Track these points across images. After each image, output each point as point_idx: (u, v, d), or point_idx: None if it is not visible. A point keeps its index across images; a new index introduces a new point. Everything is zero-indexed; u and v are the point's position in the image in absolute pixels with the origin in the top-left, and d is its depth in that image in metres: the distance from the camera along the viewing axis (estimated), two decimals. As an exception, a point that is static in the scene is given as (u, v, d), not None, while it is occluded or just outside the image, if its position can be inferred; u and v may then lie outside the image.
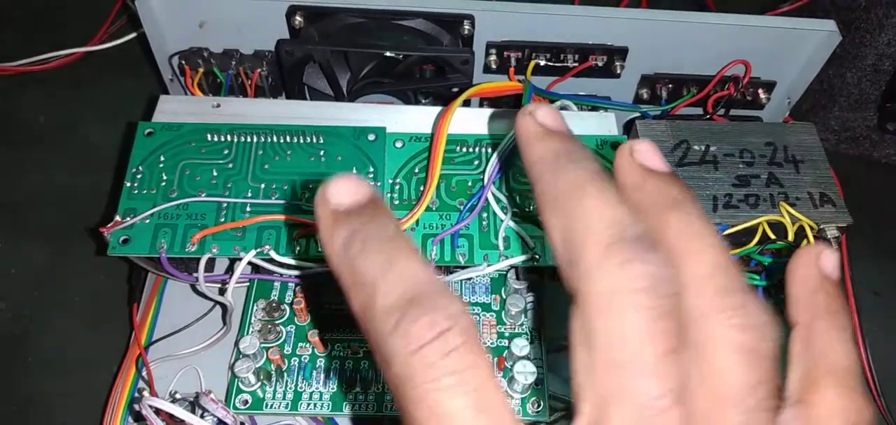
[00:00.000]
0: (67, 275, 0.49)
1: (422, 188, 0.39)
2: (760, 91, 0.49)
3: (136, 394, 0.39)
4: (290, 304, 0.41)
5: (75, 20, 0.63)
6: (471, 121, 0.43)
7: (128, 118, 0.56)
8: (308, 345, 0.40)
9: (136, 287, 0.43)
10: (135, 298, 0.42)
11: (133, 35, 0.61)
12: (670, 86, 0.49)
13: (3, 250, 0.50)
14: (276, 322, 0.41)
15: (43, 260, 0.49)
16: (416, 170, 0.40)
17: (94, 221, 0.50)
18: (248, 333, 0.40)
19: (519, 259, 0.37)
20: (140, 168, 0.39)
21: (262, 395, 0.38)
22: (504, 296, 0.42)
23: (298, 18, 0.44)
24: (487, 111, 0.44)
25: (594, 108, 0.48)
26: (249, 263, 0.37)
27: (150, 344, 0.41)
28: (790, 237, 0.39)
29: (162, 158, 0.40)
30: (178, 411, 0.33)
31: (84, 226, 0.50)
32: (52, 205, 0.52)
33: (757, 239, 0.39)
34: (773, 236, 0.39)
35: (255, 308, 0.41)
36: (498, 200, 0.38)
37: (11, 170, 0.53)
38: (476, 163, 0.41)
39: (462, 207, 0.39)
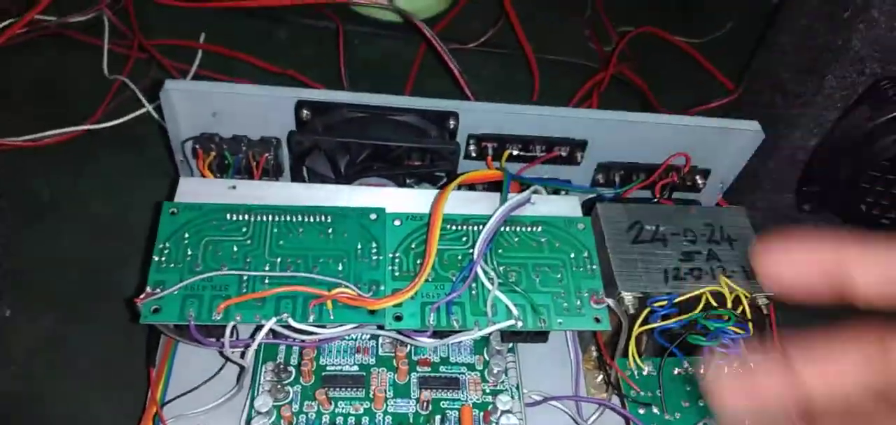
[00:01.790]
0: (75, 341, 0.52)
1: (418, 261, 0.45)
2: (698, 177, 0.57)
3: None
4: (297, 366, 0.46)
5: (75, 98, 0.67)
6: (457, 202, 0.49)
7: (128, 191, 0.61)
8: (314, 403, 0.44)
9: (153, 350, 0.46)
10: (151, 362, 0.46)
11: (131, 115, 0.66)
12: (622, 172, 0.57)
13: (12, 316, 0.53)
14: (284, 383, 0.45)
15: (51, 326, 0.53)
16: (413, 245, 0.46)
17: (100, 289, 0.54)
18: (259, 393, 0.44)
19: (505, 324, 0.43)
20: (166, 244, 0.44)
21: (274, 449, 0.42)
22: (487, 357, 0.48)
23: (306, 112, 0.49)
24: (471, 194, 0.51)
25: (556, 191, 0.55)
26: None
27: (165, 404, 0.45)
28: (729, 305, 0.46)
29: (186, 235, 0.44)
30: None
31: (91, 293, 0.54)
32: (59, 273, 0.55)
33: (701, 306, 0.46)
34: (715, 304, 0.46)
35: (263, 370, 0.46)
36: (486, 273, 0.44)
37: (19, 239, 0.56)
38: (464, 239, 0.47)
39: (454, 278, 0.45)
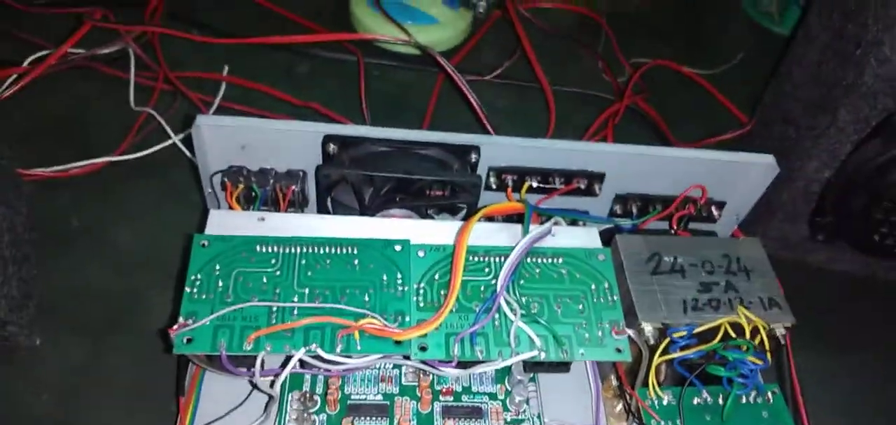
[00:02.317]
0: (104, 370, 0.53)
1: (442, 292, 0.46)
2: (713, 208, 0.58)
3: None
4: (322, 395, 0.47)
5: (102, 130, 0.69)
6: (479, 234, 0.50)
7: (154, 222, 0.62)
8: (341, 432, 0.45)
9: (182, 381, 0.47)
10: (181, 392, 0.47)
11: (157, 147, 0.67)
12: (639, 203, 0.58)
13: (42, 346, 0.54)
14: (310, 411, 0.46)
15: (80, 355, 0.54)
16: (437, 277, 0.47)
17: (128, 319, 0.55)
18: (285, 422, 0.45)
19: (528, 355, 0.44)
20: (198, 276, 0.45)
21: (301, 478, 0.43)
22: (508, 387, 0.48)
23: (332, 146, 0.51)
24: (493, 225, 0.52)
25: (574, 222, 0.56)
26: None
27: (194, 432, 0.46)
28: (747, 335, 0.47)
29: (217, 267, 0.45)
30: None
31: (119, 323, 0.55)
32: (88, 303, 0.57)
33: (719, 336, 0.47)
34: (733, 334, 0.47)
35: (290, 399, 0.47)
36: (509, 304, 0.45)
37: (48, 269, 0.58)
38: (486, 270, 0.48)
39: (477, 309, 0.46)
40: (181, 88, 0.72)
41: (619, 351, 0.45)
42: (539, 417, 0.48)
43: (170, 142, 0.66)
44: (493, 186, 0.55)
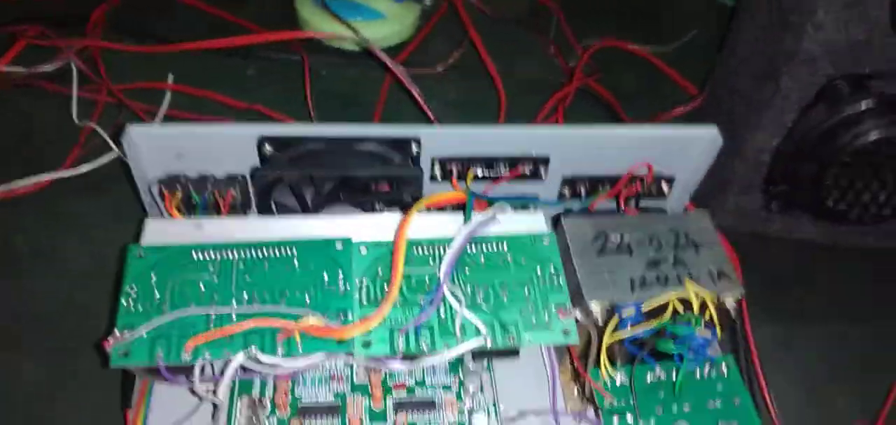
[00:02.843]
0: (59, 392, 0.52)
1: (386, 286, 0.46)
2: (663, 184, 0.58)
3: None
4: (272, 399, 0.46)
5: (46, 147, 0.68)
6: (423, 225, 0.49)
7: (102, 237, 0.61)
8: (290, 435, 0.45)
9: (127, 393, 0.47)
10: (126, 404, 0.46)
11: (102, 160, 0.66)
12: (588, 184, 0.57)
13: (-8, 370, 0.53)
14: (260, 416, 0.45)
15: (33, 378, 0.53)
16: (380, 272, 0.47)
17: (79, 338, 0.54)
18: (234, 429, 0.44)
19: (474, 343, 0.43)
20: (133, 287, 0.44)
21: (250, 485, 0.43)
22: (462, 377, 0.48)
23: (268, 147, 0.50)
24: (437, 216, 0.51)
25: (524, 206, 0.56)
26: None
27: (143, 446, 0.45)
28: (696, 310, 0.47)
29: (153, 277, 0.44)
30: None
31: (71, 342, 0.54)
32: (38, 324, 0.55)
33: (669, 312, 0.47)
34: (681, 309, 0.47)
35: (239, 404, 0.46)
36: (453, 294, 0.45)
37: (-3, 292, 0.57)
38: (430, 261, 0.47)
39: (422, 302, 0.45)
40: (125, 101, 0.71)
41: (566, 333, 0.45)
42: (495, 405, 0.47)
43: (114, 154, 0.65)
44: (438, 177, 0.54)
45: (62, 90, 0.72)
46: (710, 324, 0.47)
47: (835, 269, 0.69)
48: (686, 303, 0.47)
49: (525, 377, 0.51)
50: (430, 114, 0.67)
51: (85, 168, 0.65)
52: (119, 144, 0.63)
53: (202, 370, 0.42)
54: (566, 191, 0.58)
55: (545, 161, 0.55)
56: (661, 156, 0.55)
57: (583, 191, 0.58)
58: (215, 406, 0.45)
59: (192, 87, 0.74)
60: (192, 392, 0.43)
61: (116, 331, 0.42)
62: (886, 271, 0.69)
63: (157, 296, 0.44)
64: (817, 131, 0.58)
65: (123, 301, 0.43)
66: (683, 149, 0.55)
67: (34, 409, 0.51)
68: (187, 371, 0.42)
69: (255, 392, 0.47)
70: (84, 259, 0.60)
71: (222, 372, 0.43)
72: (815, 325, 0.64)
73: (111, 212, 0.63)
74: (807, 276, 0.68)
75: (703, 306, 0.47)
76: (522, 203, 0.56)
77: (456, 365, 0.49)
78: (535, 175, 0.55)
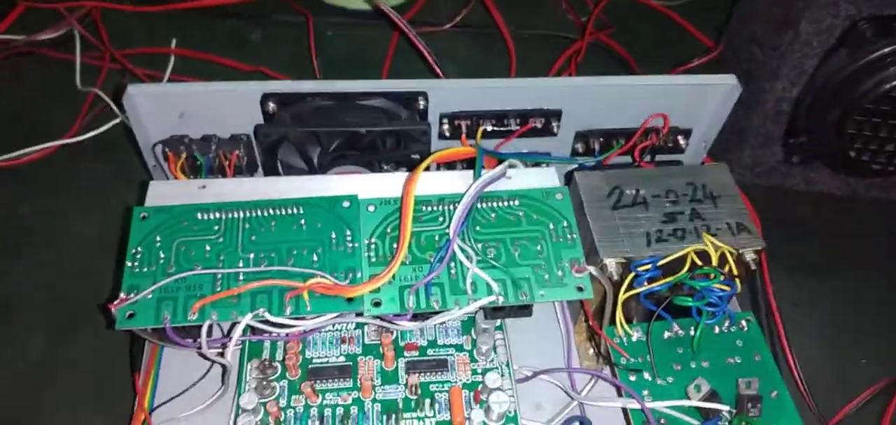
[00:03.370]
0: (66, 358, 0.52)
1: (395, 245, 0.45)
2: (680, 138, 0.56)
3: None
4: (282, 361, 0.45)
5: (51, 115, 0.67)
6: (432, 183, 0.48)
7: (108, 203, 0.60)
8: (301, 397, 0.44)
9: (137, 356, 0.46)
10: (136, 368, 0.46)
11: (107, 126, 0.65)
12: (601, 139, 0.56)
13: (2, 338, 0.52)
14: (270, 379, 0.45)
15: (41, 345, 0.52)
16: (389, 230, 0.46)
17: (87, 303, 0.54)
18: (245, 391, 0.44)
19: (485, 300, 0.42)
20: (138, 249, 0.43)
21: (261, 447, 0.42)
22: (474, 336, 0.47)
23: (271, 104, 0.49)
24: (446, 173, 0.50)
25: (536, 164, 0.54)
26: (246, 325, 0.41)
27: (153, 409, 0.45)
28: (714, 262, 0.46)
29: (158, 238, 0.44)
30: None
31: (79, 307, 0.54)
32: (46, 290, 0.55)
33: (687, 266, 0.46)
34: (700, 262, 0.46)
35: (249, 367, 0.45)
36: (463, 251, 0.44)
37: (5, 262, 0.56)
38: (440, 219, 0.46)
39: (432, 260, 0.44)
40: (128, 65, 0.70)
41: (580, 289, 0.44)
42: (508, 365, 0.46)
43: (118, 120, 0.64)
44: (447, 134, 0.53)
45: (65, 57, 0.71)
46: (729, 278, 0.46)
47: (855, 223, 0.67)
48: (704, 257, 0.46)
49: (539, 337, 0.50)
50: (438, 70, 0.66)
51: (90, 134, 0.65)
52: (122, 108, 0.63)
53: (210, 331, 0.41)
54: (579, 147, 0.57)
55: (557, 114, 0.53)
56: (677, 107, 0.54)
57: (596, 146, 0.56)
58: (225, 369, 0.45)
59: (196, 51, 0.72)
60: (200, 354, 0.42)
61: (122, 293, 0.41)
62: (909, 225, 0.67)
63: (163, 257, 0.43)
64: (839, 77, 0.56)
65: (128, 263, 0.43)
66: (700, 99, 0.54)
67: (40, 376, 0.51)
68: (194, 333, 0.42)
69: (266, 355, 0.46)
70: (90, 225, 0.60)
71: (230, 334, 0.42)
72: (835, 280, 0.62)
73: (116, 178, 0.63)
74: (827, 230, 0.66)
75: (722, 260, 0.46)
76: (534, 161, 0.54)
77: (468, 325, 0.48)
78: (547, 130, 0.54)
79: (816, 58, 0.57)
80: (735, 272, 0.46)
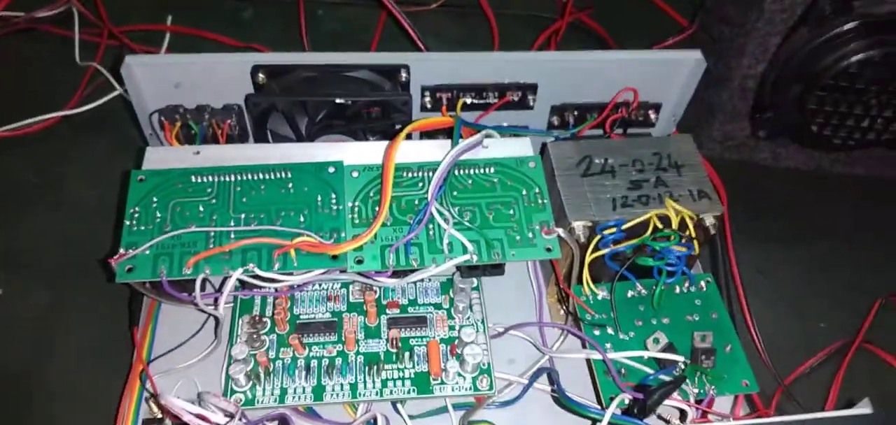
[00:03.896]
0: (67, 314, 0.55)
1: (377, 208, 0.48)
2: (650, 112, 0.59)
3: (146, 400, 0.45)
4: (271, 317, 0.49)
5: (52, 88, 0.70)
6: (413, 151, 0.51)
7: (107, 172, 0.63)
8: (289, 349, 0.47)
9: (135, 312, 0.49)
10: (134, 322, 0.49)
11: (105, 98, 0.68)
12: (576, 113, 0.59)
13: (6, 294, 0.55)
14: (260, 332, 0.48)
15: (43, 301, 0.55)
16: (372, 195, 0.49)
17: (87, 264, 0.57)
18: (236, 343, 0.47)
19: (461, 259, 0.45)
20: (136, 209, 0.46)
21: (252, 394, 0.45)
22: (452, 296, 0.50)
23: (261, 75, 0.52)
24: (426, 142, 0.53)
25: (515, 135, 0.57)
26: (238, 280, 0.44)
27: (150, 361, 0.48)
28: (674, 225, 0.49)
29: (154, 199, 0.47)
30: (195, 408, 0.39)
31: (79, 268, 0.57)
32: (47, 252, 0.58)
33: (650, 230, 0.49)
34: (661, 226, 0.49)
35: (240, 322, 0.48)
36: (441, 213, 0.47)
37: (7, 224, 0.59)
38: (420, 184, 0.50)
39: (411, 221, 0.47)
40: (125, 41, 0.72)
41: (549, 249, 0.47)
42: (483, 321, 0.49)
43: (116, 93, 0.67)
44: (429, 106, 0.56)
45: (64, 33, 0.74)
46: (687, 241, 0.49)
47: (821, 197, 0.70)
48: (666, 221, 0.49)
49: (514, 297, 0.54)
50: (421, 45, 0.69)
51: (89, 106, 0.67)
52: (120, 81, 0.66)
53: (203, 286, 0.45)
54: (555, 121, 0.59)
55: (533, 89, 0.56)
56: (646, 81, 0.57)
57: (571, 120, 0.59)
58: (217, 321, 0.48)
59: (191, 28, 0.75)
60: (195, 306, 0.45)
61: (121, 249, 0.44)
62: (872, 198, 0.70)
63: (159, 216, 0.46)
64: (801, 54, 0.59)
65: (127, 221, 0.46)
66: (668, 74, 0.57)
67: (43, 331, 0.54)
68: (189, 287, 0.45)
69: (256, 310, 0.49)
70: (89, 192, 0.63)
71: (222, 288, 0.45)
72: (798, 250, 0.65)
73: (115, 148, 0.66)
74: (792, 204, 0.70)
75: (683, 224, 0.49)
76: (512, 133, 0.57)
77: (447, 285, 0.51)
78: (524, 103, 0.57)
79: (780, 35, 0.60)
80: (693, 235, 0.49)
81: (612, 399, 0.45)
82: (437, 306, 0.50)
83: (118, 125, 0.67)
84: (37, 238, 0.59)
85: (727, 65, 0.64)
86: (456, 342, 0.48)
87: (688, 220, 0.49)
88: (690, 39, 0.73)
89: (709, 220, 0.50)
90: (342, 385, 0.46)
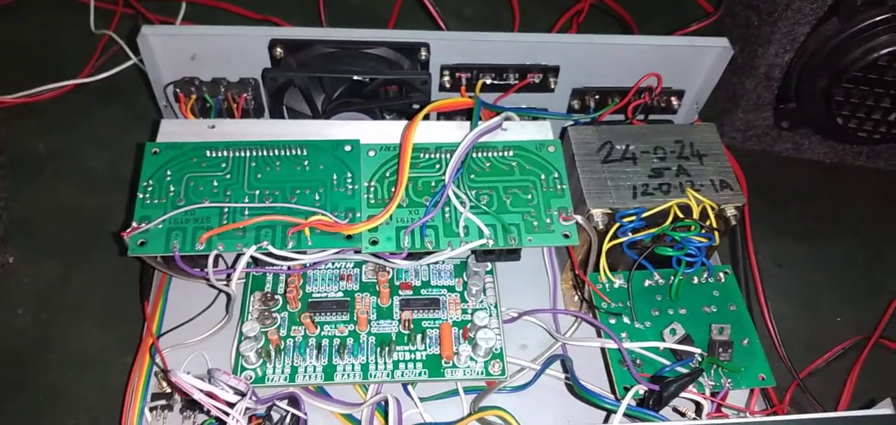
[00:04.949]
0: (77, 284, 0.55)
1: (393, 189, 0.47)
2: (673, 98, 0.58)
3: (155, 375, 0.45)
4: (283, 294, 0.48)
5: (65, 56, 0.69)
6: (431, 131, 0.50)
7: (120, 142, 0.63)
8: (301, 327, 0.47)
9: (146, 285, 0.49)
10: (145, 296, 0.49)
11: (119, 67, 0.67)
12: (597, 97, 0.58)
13: (15, 263, 0.55)
14: (272, 310, 0.47)
15: (53, 271, 0.55)
16: (388, 175, 0.48)
17: (98, 234, 0.57)
18: (248, 319, 0.46)
19: (476, 243, 0.45)
20: (150, 182, 0.46)
21: (262, 372, 0.45)
22: (465, 279, 0.50)
23: (279, 49, 0.51)
24: (444, 123, 0.52)
25: (534, 118, 0.56)
26: (250, 257, 0.44)
27: (161, 335, 0.48)
28: (695, 215, 0.48)
29: (169, 173, 0.46)
30: (205, 385, 0.39)
31: (90, 239, 0.57)
32: (59, 222, 0.58)
33: (670, 219, 0.48)
34: (681, 215, 0.48)
35: (252, 299, 0.48)
36: (457, 196, 0.46)
37: (19, 192, 0.59)
38: (437, 166, 0.49)
39: (427, 204, 0.46)
40: (141, 9, 0.72)
41: (566, 236, 0.46)
42: (496, 306, 0.49)
43: (131, 62, 0.66)
44: (448, 86, 0.55)
45: (79, 0, 0.73)
46: (708, 231, 0.48)
47: (842, 190, 0.69)
48: (687, 211, 0.48)
49: (528, 282, 0.53)
50: (441, 23, 0.67)
51: (103, 75, 0.67)
52: (136, 50, 0.65)
53: (216, 262, 0.44)
54: (575, 104, 0.58)
55: (555, 70, 0.55)
56: (671, 67, 0.55)
57: (592, 104, 0.58)
58: (229, 298, 0.47)
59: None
60: (207, 282, 0.45)
61: (134, 223, 0.44)
62: (894, 193, 0.69)
63: (173, 190, 0.45)
64: (830, 45, 0.58)
65: (140, 194, 0.45)
66: (694, 60, 0.55)
67: (52, 301, 0.54)
68: (201, 263, 0.44)
69: (268, 287, 0.49)
70: (102, 161, 0.62)
71: (234, 265, 0.45)
72: (818, 244, 0.64)
73: (128, 118, 0.65)
74: (813, 196, 0.68)
75: (703, 214, 0.48)
76: (532, 116, 0.56)
77: (461, 268, 0.50)
78: (545, 86, 0.56)
79: (809, 25, 0.58)
80: (714, 225, 0.48)
81: (627, 389, 0.44)
82: (451, 289, 0.50)
83: (131, 95, 0.66)
84: (48, 207, 0.59)
85: (753, 52, 0.63)
86: (468, 325, 0.47)
87: (709, 210, 0.48)
88: (713, 25, 0.71)
89: (730, 211, 0.49)
90: (353, 365, 0.45)
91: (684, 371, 0.45)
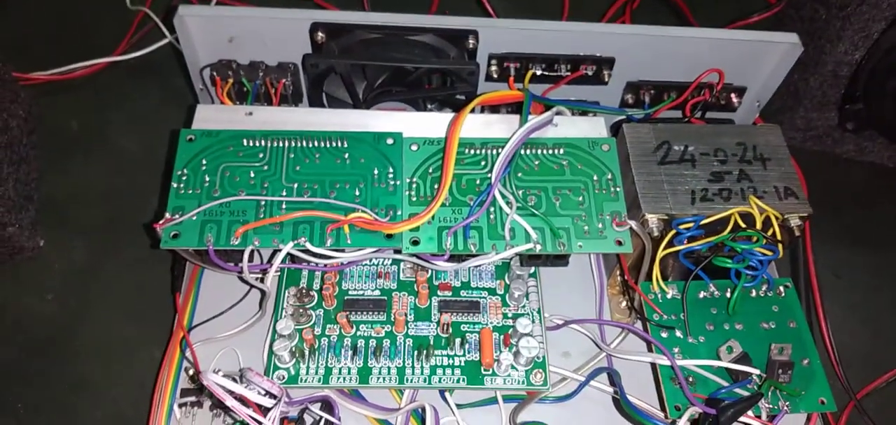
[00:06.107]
0: (106, 269, 0.54)
1: (436, 186, 0.45)
2: (733, 95, 0.55)
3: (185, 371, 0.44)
4: (319, 291, 0.46)
5: (100, 32, 0.68)
6: (477, 126, 0.48)
7: (153, 123, 0.61)
8: (336, 326, 0.45)
9: (178, 277, 0.47)
10: (177, 288, 0.47)
11: (154, 45, 0.66)
12: (652, 91, 0.55)
13: (46, 247, 0.54)
14: (307, 306, 0.45)
15: (83, 255, 0.54)
16: (431, 170, 0.46)
17: (129, 220, 0.55)
18: (282, 317, 0.45)
19: (523, 247, 0.42)
20: (184, 171, 0.44)
21: (295, 372, 0.43)
22: (508, 281, 0.47)
23: (321, 34, 0.49)
24: (491, 117, 0.49)
25: (584, 113, 0.53)
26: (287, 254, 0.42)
27: (192, 328, 0.46)
28: (758, 225, 0.45)
29: (204, 162, 0.44)
30: (237, 388, 0.37)
31: (121, 224, 0.55)
32: (90, 204, 0.57)
33: (730, 228, 0.45)
34: (743, 225, 0.45)
35: (286, 294, 0.46)
36: (504, 196, 0.43)
37: (49, 172, 0.58)
38: (483, 163, 0.46)
39: (472, 203, 0.44)
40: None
41: (619, 243, 0.43)
42: (539, 312, 0.46)
43: (166, 40, 0.65)
44: (495, 76, 0.52)
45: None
46: (771, 243, 0.45)
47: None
48: (748, 219, 0.45)
49: (572, 287, 0.50)
50: (490, 9, 0.64)
51: (137, 53, 0.65)
52: (171, 29, 0.63)
53: (251, 257, 0.42)
54: (629, 98, 0.55)
55: (610, 63, 0.52)
56: (733, 63, 0.52)
57: (647, 98, 0.55)
58: (263, 294, 0.46)
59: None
60: (241, 278, 0.43)
61: (167, 213, 0.42)
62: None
63: (208, 180, 0.44)
64: (908, 44, 0.54)
65: (174, 184, 0.43)
66: (759, 56, 0.52)
67: (79, 286, 0.53)
68: (236, 257, 0.43)
69: (303, 283, 0.47)
70: (134, 143, 0.61)
71: (270, 261, 0.43)
72: (878, 253, 0.61)
73: (162, 98, 0.64)
74: (875, 202, 0.65)
75: (767, 223, 0.45)
76: (583, 109, 0.53)
77: (502, 269, 0.48)
78: (598, 78, 0.53)
79: (884, 21, 0.54)
80: (779, 236, 0.45)
81: (678, 408, 0.42)
82: (492, 291, 0.47)
83: (166, 75, 0.65)
84: (80, 188, 0.58)
85: (820, 49, 0.59)
86: (510, 331, 0.45)
87: (773, 220, 0.45)
88: (777, 17, 0.67)
89: (794, 221, 0.46)
90: (389, 368, 0.43)
91: (743, 392, 0.42)
